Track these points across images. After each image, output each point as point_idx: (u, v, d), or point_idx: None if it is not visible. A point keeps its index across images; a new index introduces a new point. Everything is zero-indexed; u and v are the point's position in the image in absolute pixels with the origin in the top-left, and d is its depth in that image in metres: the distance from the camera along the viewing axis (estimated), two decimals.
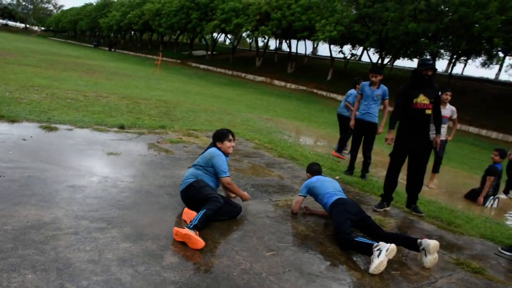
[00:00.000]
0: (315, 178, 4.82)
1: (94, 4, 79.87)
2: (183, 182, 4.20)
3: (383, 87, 7.04)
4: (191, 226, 3.43)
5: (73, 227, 3.26)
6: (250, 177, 5.84)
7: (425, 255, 3.86)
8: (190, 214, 3.81)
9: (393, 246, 3.62)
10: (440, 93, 5.52)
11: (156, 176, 5.08)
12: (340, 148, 9.17)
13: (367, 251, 3.72)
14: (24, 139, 5.59)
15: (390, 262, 3.79)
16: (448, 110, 7.56)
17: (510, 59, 30.12)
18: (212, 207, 3.72)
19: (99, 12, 72.25)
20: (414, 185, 5.62)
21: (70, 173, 4.58)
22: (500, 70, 37.19)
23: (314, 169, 5.07)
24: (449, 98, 7.53)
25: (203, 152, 4.40)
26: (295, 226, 4.32)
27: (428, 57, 27.88)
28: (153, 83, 19.00)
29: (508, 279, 4.01)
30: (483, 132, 22.55)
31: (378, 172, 7.94)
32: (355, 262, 3.72)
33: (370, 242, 3.77)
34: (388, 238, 3.97)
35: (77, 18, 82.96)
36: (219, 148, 4.31)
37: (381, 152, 10.33)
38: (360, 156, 7.27)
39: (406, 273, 3.69)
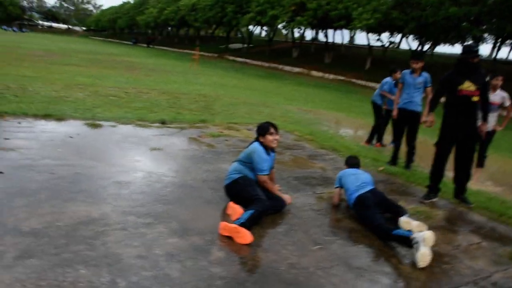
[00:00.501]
0: (344, 171, 4.75)
1: (132, 2, 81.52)
2: (228, 177, 4.19)
3: (425, 74, 6.76)
4: (238, 223, 3.41)
5: (121, 223, 3.31)
6: (292, 170, 5.78)
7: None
8: (235, 209, 3.79)
9: (428, 233, 3.50)
10: (488, 78, 5.21)
11: (199, 170, 5.10)
12: (379, 137, 8.91)
13: (407, 244, 3.61)
14: (71, 137, 5.75)
15: (440, 255, 3.66)
16: (497, 96, 7.15)
17: None
18: (260, 208, 3.68)
19: (136, 10, 73.71)
20: (462, 175, 5.39)
21: (116, 169, 4.67)
22: None
23: (350, 163, 4.98)
24: (500, 83, 7.12)
25: (247, 146, 4.35)
26: (340, 219, 4.22)
27: (473, 42, 26.70)
28: (191, 78, 19.22)
29: None
30: None
31: (422, 162, 7.67)
32: (404, 255, 3.59)
33: (406, 234, 3.63)
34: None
35: (115, 16, 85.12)
36: (262, 143, 4.22)
37: (425, 141, 9.99)
38: (403, 146, 7.05)
39: (458, 266, 3.53)
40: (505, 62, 31.09)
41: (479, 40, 27.71)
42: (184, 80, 17.46)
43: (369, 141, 8.88)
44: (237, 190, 4.02)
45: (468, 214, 5.04)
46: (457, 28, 27.11)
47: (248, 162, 4.16)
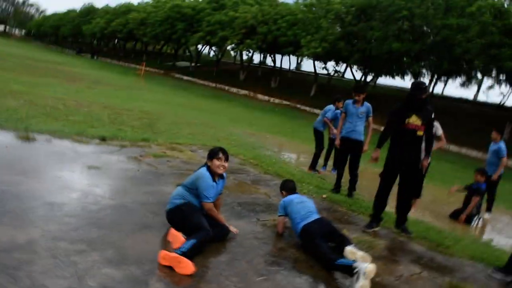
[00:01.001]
0: (288, 198, 4.59)
1: (78, 10, 79.00)
2: (170, 202, 3.99)
3: (367, 104, 7.03)
4: (179, 252, 3.22)
5: (50, 250, 3.01)
6: (236, 195, 5.66)
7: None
8: (176, 236, 3.60)
9: (370, 266, 3.50)
10: (433, 115, 5.44)
11: (139, 192, 4.86)
12: (314, 164, 9.02)
13: (349, 273, 3.59)
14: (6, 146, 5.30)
15: (383, 286, 3.68)
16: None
17: (488, 80, 30.78)
18: (202, 238, 3.51)
19: (82, 19, 71.44)
20: (403, 205, 5.57)
21: (48, 188, 4.33)
22: (478, 91, 38.07)
23: (289, 187, 4.84)
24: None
25: (196, 170, 4.17)
26: (284, 248, 4.14)
27: (420, 81, 28.43)
28: (136, 93, 18.75)
29: None
30: (463, 150, 22.88)
31: (364, 190, 7.84)
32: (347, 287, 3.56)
33: (350, 263, 3.63)
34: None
35: (59, 23, 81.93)
36: (209, 168, 4.05)
37: (365, 170, 10.27)
38: (346, 174, 7.18)
39: None
40: (440, 97, 33.15)
41: (418, 75, 29.40)
42: (128, 96, 16.98)
43: (312, 167, 8.96)
44: (180, 217, 3.83)
45: (408, 244, 5.15)
46: (399, 62, 28.70)
47: (193, 188, 3.97)
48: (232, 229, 4.13)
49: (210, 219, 3.93)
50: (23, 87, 12.28)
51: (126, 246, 3.37)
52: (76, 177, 4.94)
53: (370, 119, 7.12)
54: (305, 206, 4.51)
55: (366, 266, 3.51)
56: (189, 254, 3.26)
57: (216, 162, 4.02)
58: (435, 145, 7.61)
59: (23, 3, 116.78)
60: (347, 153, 7.10)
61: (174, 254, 3.16)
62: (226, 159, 4.08)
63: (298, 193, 4.87)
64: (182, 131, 10.33)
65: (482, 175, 7.73)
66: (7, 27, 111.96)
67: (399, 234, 5.43)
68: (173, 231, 3.69)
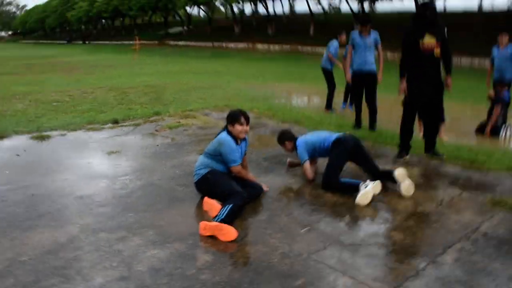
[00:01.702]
0: (301, 139, 4.56)
1: None
2: (195, 173, 3.91)
3: (374, 33, 6.68)
4: (218, 220, 3.18)
5: (92, 243, 3.00)
6: (260, 150, 5.58)
7: (399, 185, 4.01)
8: (211, 204, 3.55)
9: (377, 182, 3.95)
10: (446, 29, 5.06)
11: (164, 167, 4.81)
12: (329, 103, 8.83)
13: (354, 191, 3.90)
14: (17, 155, 5.27)
15: (427, 215, 3.62)
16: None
17: None
18: (238, 202, 3.43)
19: (65, 6, 69.92)
20: (431, 129, 5.38)
21: (74, 182, 4.30)
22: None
23: (289, 135, 4.73)
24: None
25: (216, 136, 4.05)
26: (320, 194, 4.08)
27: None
28: (136, 69, 18.48)
29: None
30: (476, 62, 22.21)
31: (384, 121, 7.69)
32: (392, 222, 3.51)
33: (355, 182, 4.00)
34: (376, 174, 4.23)
35: (43, 16, 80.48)
36: (230, 132, 3.90)
37: (381, 99, 10.06)
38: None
39: (447, 223, 3.48)
40: (443, 14, 31.91)
41: None
42: (129, 73, 16.74)
43: (328, 107, 8.79)
44: (209, 187, 3.75)
45: (442, 167, 5.04)
46: None
47: (217, 155, 3.86)
48: (263, 186, 4.06)
49: (240, 180, 3.87)
50: (24, 87, 12.16)
51: (164, 225, 3.34)
52: (99, 165, 4.90)
53: (380, 47, 6.80)
54: (322, 132, 4.66)
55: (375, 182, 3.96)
56: (228, 220, 3.21)
57: (238, 128, 3.84)
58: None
59: (2, 3, 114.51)
60: (362, 87, 6.86)
61: (214, 223, 3.12)
62: (248, 123, 3.91)
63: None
64: (190, 97, 10.17)
65: (502, 86, 7.44)
66: None
67: (431, 158, 5.31)
68: (207, 199, 3.64)
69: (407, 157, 5.34)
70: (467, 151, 5.68)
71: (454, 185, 4.43)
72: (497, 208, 3.82)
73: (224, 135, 3.87)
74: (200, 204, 3.73)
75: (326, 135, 4.49)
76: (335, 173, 4.16)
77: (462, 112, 9.32)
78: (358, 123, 6.94)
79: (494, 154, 5.60)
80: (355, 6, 33.05)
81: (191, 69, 18.81)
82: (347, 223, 3.46)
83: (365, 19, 6.76)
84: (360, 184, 3.89)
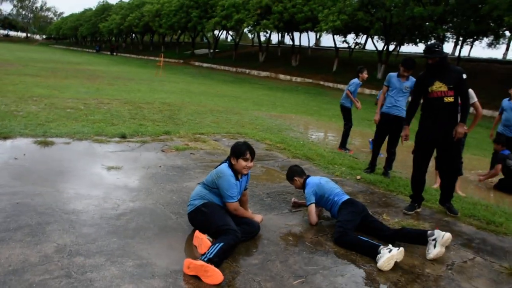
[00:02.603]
0: (313, 181, 4.33)
1: (93, 9, 79.50)
2: (190, 204, 3.66)
3: (412, 79, 6.40)
4: (205, 259, 2.91)
5: (64, 268, 2.75)
6: (265, 184, 5.33)
7: (434, 246, 3.63)
8: (202, 240, 3.29)
9: (401, 249, 3.45)
10: (465, 75, 4.77)
11: (162, 191, 4.58)
12: (343, 142, 8.57)
13: (371, 252, 3.50)
14: (15, 158, 5.11)
15: (435, 279, 3.30)
16: None
17: None
18: (230, 241, 3.17)
19: (98, 17, 71.87)
20: (447, 181, 5.05)
21: (65, 196, 4.08)
22: (507, 49, 36.21)
23: (299, 171, 4.54)
24: None
25: (216, 166, 3.80)
26: (321, 242, 3.79)
27: (433, 42, 27.21)
28: (156, 85, 18.54)
29: None
30: (496, 113, 21.80)
31: (400, 167, 7.38)
32: (396, 284, 3.18)
33: (376, 243, 3.59)
34: (395, 236, 3.85)
35: (77, 24, 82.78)
36: (232, 165, 3.65)
37: (401, 145, 9.78)
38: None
39: None
40: (468, 59, 31.66)
41: (443, 39, 28.12)
42: (149, 88, 16.77)
43: (342, 146, 8.53)
44: (202, 220, 3.49)
45: (455, 224, 4.71)
46: (421, 28, 27.46)
47: (212, 188, 3.61)
48: (257, 217, 3.79)
49: (237, 216, 3.60)
50: (44, 90, 12.22)
51: (147, 256, 3.08)
52: (95, 180, 4.70)
53: None
54: (335, 185, 4.38)
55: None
56: (216, 260, 2.94)
57: (243, 163, 3.60)
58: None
59: (41, 8, 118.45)
60: (386, 129, 6.59)
61: (199, 262, 2.85)
62: (253, 158, 3.67)
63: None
64: (204, 120, 10.03)
65: (497, 144, 7.36)
66: (28, 34, 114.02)
67: (444, 214, 4.99)
68: (198, 234, 3.38)
69: (419, 209, 5.02)
70: (483, 208, 5.36)
71: (467, 247, 4.10)
72: None
73: (224, 167, 3.62)
74: (192, 237, 3.47)
75: (339, 191, 4.27)
76: (350, 227, 3.82)
77: (480, 164, 8.94)
78: (372, 167, 6.65)
79: None
80: (380, 46, 33.02)
81: (211, 92, 18.81)
82: (345, 280, 3.15)
83: (411, 64, 6.39)
84: (381, 247, 3.46)
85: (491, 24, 24.46)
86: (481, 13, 22.05)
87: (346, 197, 4.18)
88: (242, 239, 3.43)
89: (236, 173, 3.62)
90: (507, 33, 28.18)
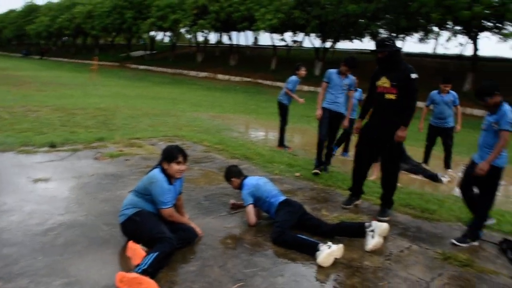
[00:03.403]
0: (250, 181, 4.29)
1: (19, 9, 74.85)
2: (121, 213, 3.49)
3: (352, 77, 6.53)
4: (139, 271, 2.79)
5: None
6: (202, 187, 5.25)
7: (372, 237, 3.72)
8: (135, 250, 3.15)
9: (341, 245, 3.50)
10: (415, 76, 4.60)
11: (94, 202, 4.37)
12: (281, 140, 8.64)
13: (310, 250, 3.51)
14: None
15: (373, 271, 3.38)
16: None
17: (445, 32, 30.88)
18: (166, 249, 3.06)
19: (25, 19, 67.75)
20: (385, 183, 4.89)
21: None
22: (436, 44, 38.51)
23: (237, 171, 4.46)
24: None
25: (147, 173, 3.63)
26: (260, 243, 3.77)
27: (384, 36, 28.28)
28: (90, 90, 17.79)
29: (498, 267, 3.70)
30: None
31: (339, 163, 7.56)
32: (336, 279, 3.22)
33: (315, 240, 3.63)
34: (333, 231, 3.93)
35: (0, 26, 77.62)
36: (165, 170, 3.51)
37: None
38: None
39: (394, 281, 3.25)
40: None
41: (376, 35, 29.26)
42: (82, 93, 16.05)
43: (280, 144, 8.59)
44: (135, 230, 3.34)
45: (392, 214, 4.84)
46: (356, 25, 28.45)
47: (145, 194, 3.47)
48: (197, 230, 3.68)
49: (172, 223, 3.49)
50: None
51: (77, 272, 2.91)
52: (20, 194, 4.39)
53: (351, 92, 6.70)
54: (272, 186, 4.37)
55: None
56: (151, 270, 2.83)
57: (175, 167, 3.47)
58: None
59: None
60: (328, 123, 6.48)
61: (133, 275, 2.73)
62: (186, 161, 3.55)
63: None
64: (140, 124, 9.75)
65: None
66: None
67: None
68: (131, 244, 3.24)
69: (359, 202, 5.13)
70: (418, 198, 5.58)
71: (403, 236, 4.25)
72: (447, 264, 3.67)
73: (156, 172, 3.48)
74: (125, 249, 3.32)
75: (276, 192, 4.24)
76: (287, 226, 3.83)
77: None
78: (320, 163, 6.62)
79: (445, 202, 5.52)
80: (317, 43, 33.81)
81: (147, 94, 18.33)
82: (285, 279, 3.14)
83: (353, 63, 6.34)
84: (320, 244, 3.47)
85: (421, 20, 25.77)
86: (411, 10, 23.13)
87: (283, 197, 4.18)
88: (179, 246, 3.33)
89: (169, 177, 3.50)
90: (436, 29, 29.82)
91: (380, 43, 4.70)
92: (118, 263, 3.14)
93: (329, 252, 3.38)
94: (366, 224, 3.81)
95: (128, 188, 4.84)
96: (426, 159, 7.93)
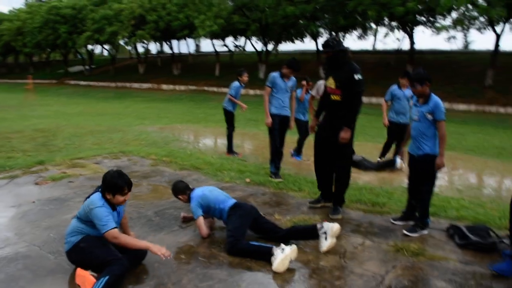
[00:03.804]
0: (197, 193, 4.21)
1: None
2: (66, 241, 3.31)
3: (293, 79, 6.51)
4: None
5: None
6: (152, 203, 5.11)
7: (325, 238, 3.74)
8: (84, 277, 3.01)
9: (294, 247, 3.49)
10: (359, 77, 4.59)
11: (37, 230, 4.14)
12: (230, 147, 8.60)
13: (265, 256, 3.50)
14: None
15: (330, 270, 3.42)
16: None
17: (382, 28, 32.23)
18: (116, 271, 2.94)
19: None
20: (335, 184, 4.95)
21: None
22: (375, 40, 40.09)
23: (184, 186, 4.36)
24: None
25: (87, 197, 3.39)
26: (215, 254, 3.71)
27: (330, 37, 28.96)
28: (27, 111, 17.00)
29: (447, 253, 3.87)
30: (373, 99, 23.82)
31: (289, 166, 7.63)
32: (293, 283, 3.23)
33: (268, 245, 3.60)
34: (287, 235, 3.91)
35: None
36: (107, 199, 3.28)
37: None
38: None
39: (350, 279, 3.30)
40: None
41: (316, 35, 29.98)
42: (18, 115, 15.30)
43: (229, 151, 8.56)
44: (82, 256, 3.19)
45: (344, 212, 4.95)
46: (296, 26, 29.05)
47: (87, 221, 3.28)
48: (162, 253, 3.22)
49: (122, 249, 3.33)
50: None
51: None
52: None
53: (294, 93, 6.79)
54: (220, 192, 4.31)
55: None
56: None
57: (120, 198, 3.27)
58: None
59: None
60: (279, 129, 6.43)
61: None
62: (130, 189, 3.34)
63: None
64: (84, 143, 9.40)
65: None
66: None
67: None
68: (80, 271, 3.09)
69: (328, 204, 5.06)
70: (368, 193, 5.71)
71: (356, 232, 4.35)
72: (400, 256, 3.78)
73: (97, 198, 3.24)
74: (74, 277, 3.16)
75: (224, 197, 4.19)
76: (241, 234, 3.77)
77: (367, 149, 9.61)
78: (277, 167, 6.53)
79: (393, 194, 5.69)
80: (259, 46, 34.13)
81: (90, 111, 17.76)
82: None
83: (296, 66, 6.26)
84: (274, 248, 3.47)
85: (358, 18, 26.72)
86: (348, 9, 23.90)
87: (233, 201, 4.13)
88: (131, 267, 3.21)
89: (113, 205, 3.33)
90: (373, 25, 31.03)
91: (325, 43, 4.75)
92: None
93: (283, 257, 3.38)
94: (318, 226, 3.83)
95: (73, 211, 4.61)
96: (384, 153, 7.91)
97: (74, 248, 3.23)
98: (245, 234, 3.84)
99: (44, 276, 3.22)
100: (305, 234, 3.95)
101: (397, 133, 7.55)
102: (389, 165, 7.50)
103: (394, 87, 7.64)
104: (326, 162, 4.99)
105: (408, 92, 7.35)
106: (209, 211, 4.11)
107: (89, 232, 3.27)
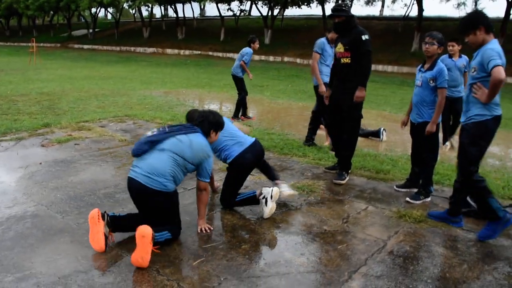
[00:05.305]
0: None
1: None
2: (156, 179, 3.05)
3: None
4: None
5: None
6: None
7: (266, 204, 3.71)
8: (98, 238, 2.99)
9: (275, 189, 3.75)
10: (367, 37, 4.59)
11: (44, 190, 4.19)
12: (244, 111, 8.66)
13: (253, 202, 3.82)
14: None
15: (332, 234, 3.46)
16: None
17: None
18: (177, 234, 3.24)
19: None
20: (341, 147, 5.03)
21: None
22: (382, 6, 39.11)
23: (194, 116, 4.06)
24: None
25: (183, 131, 3.22)
26: (219, 216, 3.77)
27: (338, 3, 28.30)
28: (32, 74, 16.86)
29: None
30: (379, 67, 23.55)
31: (294, 131, 7.62)
32: (295, 246, 3.28)
33: (251, 193, 3.85)
34: (236, 204, 3.95)
35: None
36: (208, 139, 3.36)
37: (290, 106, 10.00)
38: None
39: (353, 243, 3.35)
40: None
41: (323, 1, 29.32)
42: (23, 79, 15.19)
43: (235, 116, 8.55)
44: (164, 207, 3.14)
45: (348, 177, 4.95)
46: None
47: (189, 163, 3.17)
48: (203, 227, 3.44)
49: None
50: None
51: (31, 265, 2.79)
52: None
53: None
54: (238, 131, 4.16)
55: (271, 189, 3.74)
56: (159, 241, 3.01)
57: (215, 137, 3.53)
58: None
59: None
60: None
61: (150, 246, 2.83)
62: None
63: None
64: (89, 106, 9.38)
65: None
66: None
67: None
68: (94, 229, 3.01)
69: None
70: (372, 160, 5.73)
71: (359, 198, 4.38)
72: (402, 222, 3.81)
73: (208, 144, 3.31)
74: (81, 236, 3.22)
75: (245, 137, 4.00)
76: (235, 190, 3.90)
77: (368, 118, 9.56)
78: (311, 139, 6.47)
79: (398, 162, 5.69)
80: (265, 11, 33.52)
81: (94, 75, 17.62)
82: (246, 251, 3.16)
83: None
84: (257, 195, 3.76)
85: None
86: None
87: (241, 149, 3.87)
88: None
89: None
90: None
91: (338, 8, 4.76)
92: (76, 251, 3.04)
93: (270, 208, 3.69)
94: (257, 192, 3.78)
95: (80, 173, 4.71)
96: (452, 132, 6.78)
97: (166, 195, 3.11)
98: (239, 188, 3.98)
99: (52, 234, 3.27)
100: (247, 202, 3.88)
101: (450, 108, 6.29)
102: (374, 135, 7.34)
103: (444, 56, 6.35)
104: (339, 128, 5.06)
105: (460, 61, 6.48)
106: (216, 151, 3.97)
107: (178, 182, 3.23)
